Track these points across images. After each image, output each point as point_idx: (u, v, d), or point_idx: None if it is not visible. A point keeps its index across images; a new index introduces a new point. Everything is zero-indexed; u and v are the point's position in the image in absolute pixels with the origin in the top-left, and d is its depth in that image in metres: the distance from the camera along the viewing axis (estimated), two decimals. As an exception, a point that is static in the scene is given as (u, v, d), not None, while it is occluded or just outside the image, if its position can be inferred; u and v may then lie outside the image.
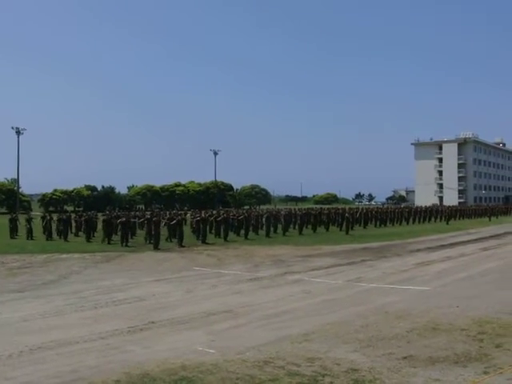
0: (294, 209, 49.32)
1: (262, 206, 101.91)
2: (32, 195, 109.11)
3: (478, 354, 7.59)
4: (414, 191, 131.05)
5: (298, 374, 6.80)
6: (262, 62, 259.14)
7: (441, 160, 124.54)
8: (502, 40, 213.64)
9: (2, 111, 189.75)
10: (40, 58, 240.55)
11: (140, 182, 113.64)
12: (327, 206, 65.71)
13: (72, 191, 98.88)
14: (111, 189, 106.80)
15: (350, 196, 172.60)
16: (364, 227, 40.00)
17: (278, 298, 12.30)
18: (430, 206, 64.83)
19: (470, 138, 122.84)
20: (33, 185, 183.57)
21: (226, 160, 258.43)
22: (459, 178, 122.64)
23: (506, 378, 6.56)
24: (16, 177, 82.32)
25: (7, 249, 24.30)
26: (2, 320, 10.15)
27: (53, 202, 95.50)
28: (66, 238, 29.13)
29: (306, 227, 35.69)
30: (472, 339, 8.41)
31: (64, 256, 21.46)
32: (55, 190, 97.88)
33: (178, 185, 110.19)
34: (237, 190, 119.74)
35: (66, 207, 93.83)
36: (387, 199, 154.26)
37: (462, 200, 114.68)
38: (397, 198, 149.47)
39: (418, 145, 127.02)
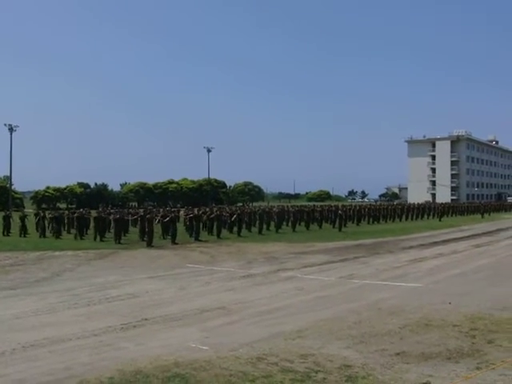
0: (287, 206, 49.51)
1: (255, 203, 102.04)
2: (24, 192, 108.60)
3: (470, 350, 7.64)
4: (406, 188, 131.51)
5: (291, 370, 6.81)
6: (262, 61, 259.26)
7: (434, 157, 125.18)
8: (502, 40, 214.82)
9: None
10: (40, 58, 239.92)
11: (133, 180, 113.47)
12: (320, 203, 65.94)
13: (65, 188, 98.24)
14: (104, 186, 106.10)
15: (343, 193, 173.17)
16: (357, 224, 40.12)
17: (271, 294, 12.32)
18: (422, 203, 65.08)
19: (463, 136, 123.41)
20: (25, 182, 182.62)
21: (220, 158, 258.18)
22: (452, 175, 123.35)
23: (498, 373, 6.61)
24: (8, 174, 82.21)
25: (0, 246, 24.19)
26: (-6, 317, 10.10)
27: (45, 199, 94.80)
28: (58, 236, 28.98)
29: (299, 224, 35.74)
30: (464, 335, 8.46)
31: (57, 253, 21.38)
32: (48, 187, 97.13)
33: (171, 182, 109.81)
34: (230, 187, 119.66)
35: (58, 204, 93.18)
36: (380, 196, 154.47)
37: (454, 197, 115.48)
38: (390, 195, 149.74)
39: (411, 142, 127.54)
